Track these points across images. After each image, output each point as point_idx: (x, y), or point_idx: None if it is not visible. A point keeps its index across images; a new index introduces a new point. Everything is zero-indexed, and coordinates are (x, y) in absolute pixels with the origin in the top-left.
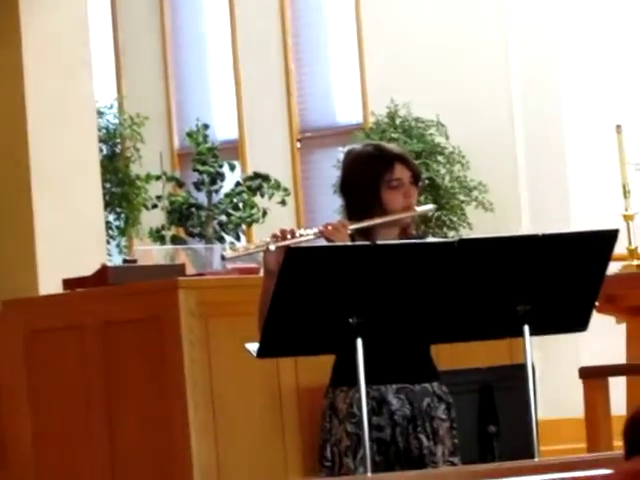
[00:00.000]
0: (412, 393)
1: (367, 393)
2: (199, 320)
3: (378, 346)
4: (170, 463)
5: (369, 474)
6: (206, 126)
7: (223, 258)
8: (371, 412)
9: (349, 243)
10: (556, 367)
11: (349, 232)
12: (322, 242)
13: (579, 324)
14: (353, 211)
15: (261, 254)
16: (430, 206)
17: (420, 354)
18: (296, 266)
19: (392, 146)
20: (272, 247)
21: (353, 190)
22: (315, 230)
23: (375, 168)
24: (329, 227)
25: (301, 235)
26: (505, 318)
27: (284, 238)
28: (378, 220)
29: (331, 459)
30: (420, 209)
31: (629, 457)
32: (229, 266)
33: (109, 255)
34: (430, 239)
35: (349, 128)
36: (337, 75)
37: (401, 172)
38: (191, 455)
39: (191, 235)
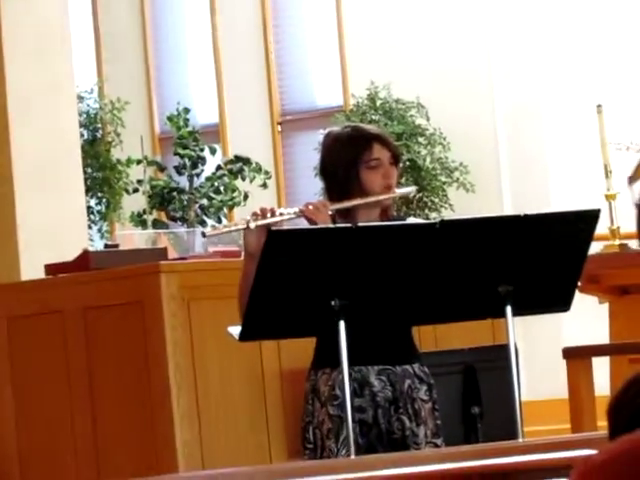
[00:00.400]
0: (393, 375)
1: (349, 374)
2: (181, 304)
3: (360, 328)
4: (153, 447)
5: (353, 456)
6: (187, 110)
7: (204, 235)
8: (353, 394)
9: (330, 225)
10: (539, 348)
11: (330, 212)
12: (302, 221)
13: (562, 304)
14: (333, 192)
15: (242, 236)
16: (410, 188)
17: (401, 336)
18: (277, 248)
19: (370, 127)
20: (252, 225)
21: (333, 171)
22: (296, 209)
23: (354, 149)
24: (310, 207)
25: (281, 214)
26: (487, 299)
27: (264, 216)
28: (359, 201)
29: (313, 442)
30: (400, 191)
31: (613, 437)
32: (211, 249)
33: (91, 240)
34: (411, 220)
35: (329, 111)
36: (317, 58)
37: (380, 152)
38: (174, 439)
39: (173, 219)
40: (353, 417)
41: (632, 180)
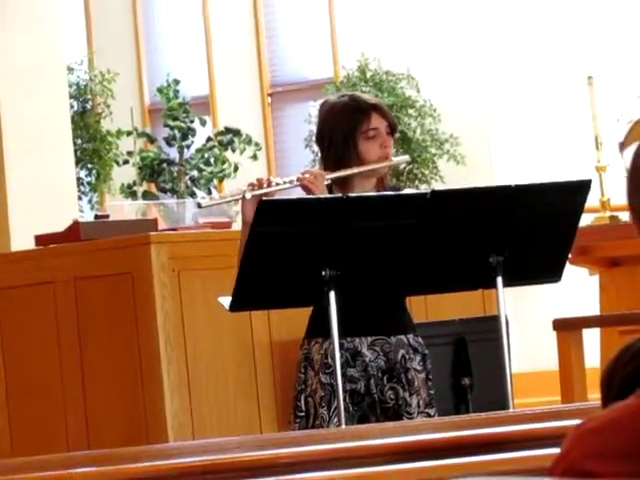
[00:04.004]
0: (387, 345)
1: (341, 345)
2: (171, 275)
3: (353, 298)
4: (144, 418)
5: (343, 425)
6: (177, 81)
7: (199, 206)
8: (345, 364)
9: (320, 196)
10: (529, 320)
11: (326, 182)
12: (298, 191)
13: (553, 275)
14: (329, 161)
15: (235, 208)
16: (406, 157)
17: (395, 306)
18: (267, 218)
19: (367, 96)
20: (248, 195)
21: (329, 141)
22: (292, 178)
23: (351, 118)
24: (307, 175)
25: (277, 184)
26: (478, 269)
27: (261, 186)
28: (355, 170)
29: (305, 410)
30: (397, 159)
31: (606, 405)
32: (201, 220)
33: (81, 211)
34: (407, 190)
35: (320, 82)
36: (307, 29)
37: (377, 122)
38: (165, 410)
39: (163, 191)
40: (344, 387)
41: (623, 146)
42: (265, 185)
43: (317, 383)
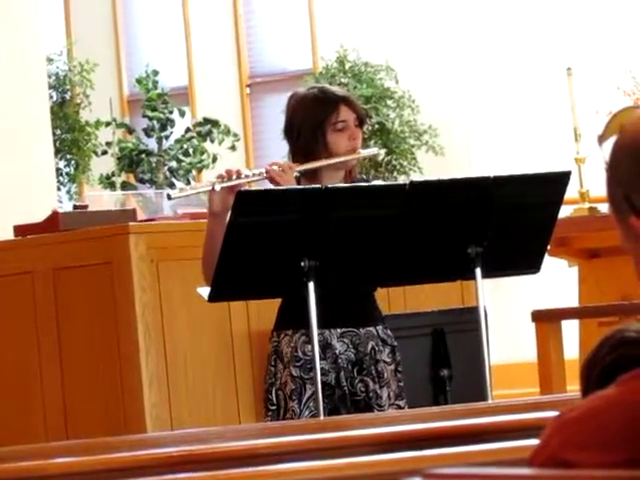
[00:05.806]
0: (357, 337)
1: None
2: (150, 265)
3: (326, 290)
4: (122, 409)
5: (322, 417)
6: (156, 72)
7: (169, 197)
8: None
9: (299, 186)
10: (508, 311)
11: (295, 174)
12: (268, 183)
13: (532, 266)
14: (298, 154)
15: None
16: (375, 149)
17: (365, 298)
18: (246, 209)
19: (336, 88)
20: (217, 187)
21: (298, 133)
22: (262, 170)
23: (320, 111)
24: (275, 167)
25: (247, 176)
26: (457, 260)
27: (230, 178)
28: (324, 162)
29: (276, 403)
30: (365, 152)
31: (585, 395)
32: (180, 211)
33: (59, 202)
34: (376, 182)
35: (298, 73)
36: (286, 20)
37: (346, 114)
38: (143, 400)
39: (141, 181)
40: (316, 379)
41: (602, 139)
42: (234, 177)
43: (287, 376)
